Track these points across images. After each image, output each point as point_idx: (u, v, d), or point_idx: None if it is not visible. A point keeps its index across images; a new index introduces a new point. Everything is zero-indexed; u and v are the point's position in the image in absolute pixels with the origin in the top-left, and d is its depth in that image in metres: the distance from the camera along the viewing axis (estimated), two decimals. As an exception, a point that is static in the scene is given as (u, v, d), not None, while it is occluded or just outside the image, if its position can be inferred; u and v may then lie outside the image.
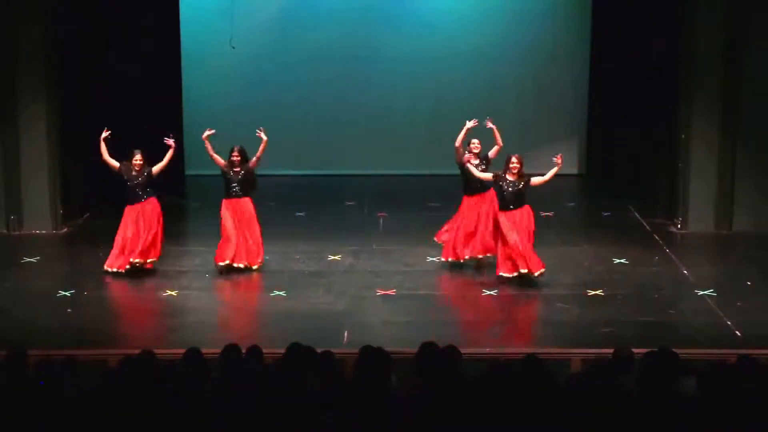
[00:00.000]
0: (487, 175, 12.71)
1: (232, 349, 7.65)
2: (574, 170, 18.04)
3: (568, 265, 13.39)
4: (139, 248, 12.80)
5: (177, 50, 17.53)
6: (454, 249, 13.15)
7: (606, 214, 15.99)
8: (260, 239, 13.21)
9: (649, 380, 7.09)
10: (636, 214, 15.77)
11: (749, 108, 14.76)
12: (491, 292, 12.45)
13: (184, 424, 6.70)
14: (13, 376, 7.40)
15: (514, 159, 12.57)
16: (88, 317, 11.69)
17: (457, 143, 13.03)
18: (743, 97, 14.73)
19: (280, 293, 12.43)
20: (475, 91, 17.93)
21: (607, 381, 7.17)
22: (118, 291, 12.58)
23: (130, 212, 12.96)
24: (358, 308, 11.99)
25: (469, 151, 13.01)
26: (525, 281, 12.55)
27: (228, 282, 12.92)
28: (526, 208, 12.65)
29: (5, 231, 14.87)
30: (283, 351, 7.67)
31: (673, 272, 13.24)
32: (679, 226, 15.11)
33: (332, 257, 13.75)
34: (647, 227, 15.21)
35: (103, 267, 12.99)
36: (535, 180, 12.59)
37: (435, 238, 13.42)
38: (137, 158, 12.94)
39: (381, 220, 15.51)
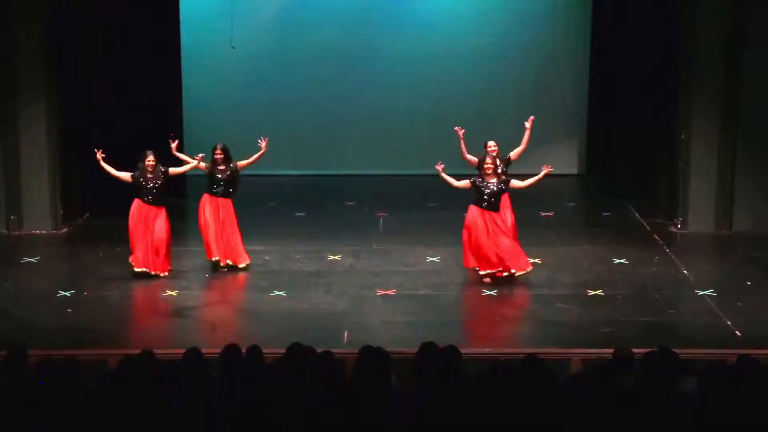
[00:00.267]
0: (464, 183, 12.64)
1: (232, 349, 7.65)
2: (574, 170, 18.04)
3: (568, 265, 13.38)
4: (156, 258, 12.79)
5: (177, 50, 17.51)
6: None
7: (606, 214, 15.99)
8: (240, 241, 13.22)
9: (649, 380, 7.08)
10: (636, 214, 15.77)
11: (749, 108, 14.76)
12: (491, 292, 12.44)
13: (184, 424, 6.70)
14: (13, 376, 7.40)
15: (488, 159, 12.56)
16: (88, 317, 11.69)
17: (464, 156, 12.94)
18: (743, 97, 14.73)
19: (280, 293, 12.43)
20: (475, 91, 17.94)
21: (607, 381, 7.17)
22: (118, 291, 12.56)
23: (142, 211, 12.82)
24: (358, 308, 11.99)
25: (486, 154, 12.93)
26: (508, 281, 12.60)
27: (228, 282, 12.92)
28: (506, 206, 12.65)
29: (5, 231, 14.86)
30: (283, 351, 7.67)
31: (673, 272, 13.24)
32: (679, 226, 15.11)
33: (332, 257, 13.75)
34: (647, 227, 15.20)
35: (103, 268, 12.99)
36: (516, 183, 12.60)
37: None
38: (150, 159, 12.81)
39: (381, 220, 15.51)
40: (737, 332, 11.15)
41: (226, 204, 13.17)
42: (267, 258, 13.70)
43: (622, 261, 13.60)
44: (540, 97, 17.95)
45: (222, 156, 13.10)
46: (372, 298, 12.31)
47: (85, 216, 15.68)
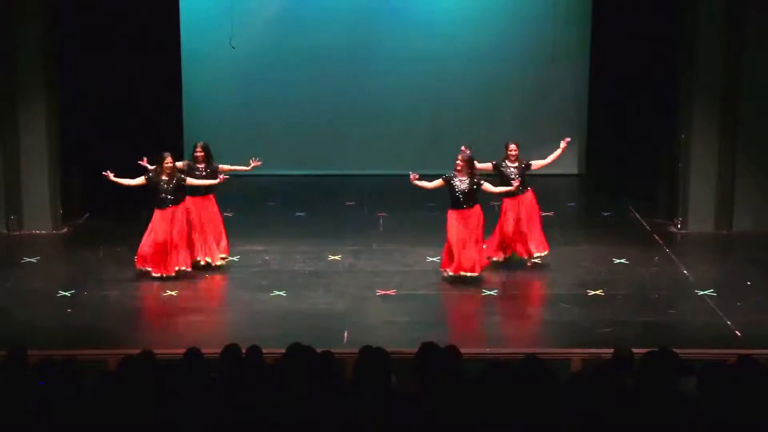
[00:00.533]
0: (438, 182, 12.73)
1: (232, 349, 7.65)
2: (574, 170, 18.03)
3: (568, 265, 13.38)
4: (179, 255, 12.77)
5: (177, 50, 17.53)
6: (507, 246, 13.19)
7: (606, 214, 15.99)
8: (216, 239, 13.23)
9: (649, 380, 7.08)
10: (636, 214, 15.77)
11: (749, 108, 14.76)
12: (491, 292, 12.45)
13: (184, 424, 6.69)
14: (13, 376, 7.40)
15: (459, 157, 12.62)
16: (88, 317, 11.70)
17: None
18: (743, 97, 14.73)
19: (280, 293, 12.43)
20: (475, 91, 17.94)
21: (607, 381, 7.17)
22: (118, 291, 12.57)
23: (161, 217, 12.77)
24: (358, 308, 11.99)
25: (506, 157, 13.02)
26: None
27: (228, 282, 12.93)
28: (476, 208, 12.68)
29: (5, 231, 14.87)
30: (283, 351, 7.67)
31: (673, 272, 13.24)
32: (679, 226, 15.11)
33: (332, 257, 13.76)
34: (647, 227, 15.21)
35: (103, 269, 12.98)
36: (487, 187, 12.63)
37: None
38: (168, 162, 12.76)
39: (381, 220, 15.51)
40: (737, 332, 11.16)
41: (205, 203, 13.16)
42: (267, 258, 13.70)
43: (622, 261, 13.60)
44: (540, 97, 17.97)
45: (203, 154, 13.08)
46: (372, 298, 12.31)
47: (85, 216, 15.68)
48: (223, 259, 13.28)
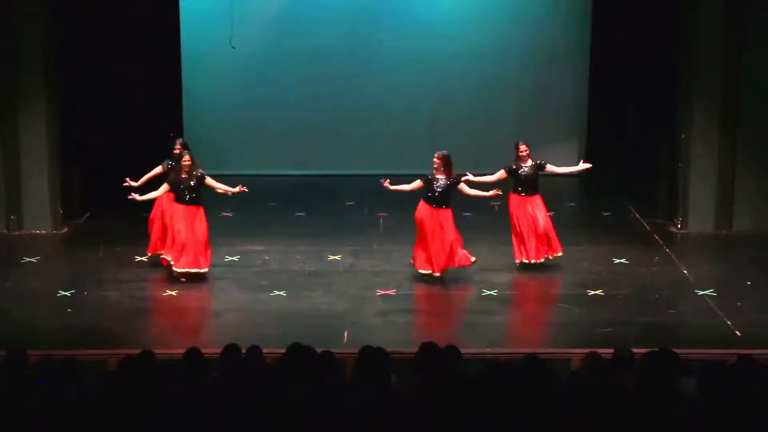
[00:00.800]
0: (416, 184, 12.80)
1: (232, 349, 7.65)
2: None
3: (568, 265, 13.38)
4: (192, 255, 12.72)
5: (177, 50, 17.53)
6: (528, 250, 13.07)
7: (606, 214, 15.99)
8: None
9: (649, 380, 7.08)
10: (636, 214, 15.77)
11: (749, 108, 14.76)
12: (491, 292, 12.45)
13: (184, 424, 6.69)
14: (13, 376, 7.40)
15: (435, 155, 12.65)
16: (88, 317, 11.70)
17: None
18: (743, 97, 14.73)
19: (280, 293, 12.43)
20: (474, 91, 17.95)
21: (607, 381, 7.17)
22: (118, 291, 12.58)
23: (178, 211, 12.75)
24: (358, 308, 11.99)
25: (517, 157, 13.02)
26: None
27: (228, 282, 12.92)
28: (448, 211, 12.70)
29: (5, 231, 14.87)
30: (283, 351, 7.67)
31: (673, 272, 13.24)
32: (679, 226, 15.11)
33: (332, 257, 13.76)
34: (647, 227, 15.21)
35: (103, 269, 12.97)
36: (464, 188, 12.63)
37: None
38: (185, 159, 12.73)
39: (381, 220, 15.51)
40: (737, 332, 11.16)
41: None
42: (267, 258, 13.70)
43: (622, 261, 13.60)
44: (540, 97, 17.97)
45: (180, 150, 13.06)
46: (372, 298, 12.31)
47: (85, 216, 15.68)
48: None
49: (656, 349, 7.41)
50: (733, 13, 14.50)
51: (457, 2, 17.98)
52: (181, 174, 12.70)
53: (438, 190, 12.60)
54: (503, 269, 13.20)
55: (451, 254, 12.62)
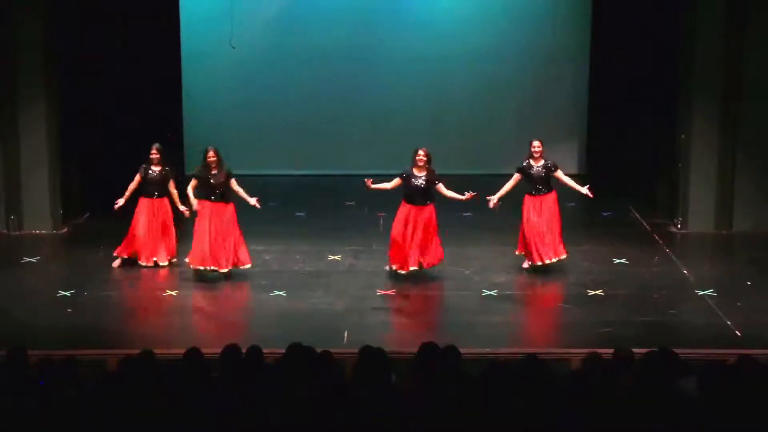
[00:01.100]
0: (395, 181, 12.84)
1: (232, 349, 7.65)
2: (574, 170, 18.01)
3: (568, 265, 13.37)
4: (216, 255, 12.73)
5: (177, 50, 17.53)
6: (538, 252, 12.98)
7: (606, 214, 15.98)
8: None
9: (649, 380, 7.08)
10: (636, 214, 15.77)
11: (749, 108, 14.76)
12: (491, 292, 12.45)
13: (184, 424, 6.69)
14: (13, 376, 7.40)
15: (420, 152, 12.68)
16: (88, 317, 11.69)
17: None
18: (743, 97, 14.73)
19: (280, 293, 12.43)
20: (474, 91, 17.95)
21: (607, 381, 7.17)
22: (118, 291, 12.58)
23: (207, 209, 12.76)
24: (358, 308, 11.99)
25: (530, 155, 12.96)
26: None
27: (228, 282, 12.91)
28: (430, 207, 12.70)
29: (5, 231, 14.87)
30: (283, 351, 7.67)
31: (673, 272, 13.24)
32: (679, 226, 15.11)
33: (332, 257, 13.76)
34: (647, 227, 15.21)
35: (103, 268, 12.97)
36: (441, 188, 12.66)
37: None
38: (210, 155, 12.69)
39: (381, 220, 15.50)
40: (737, 332, 11.16)
41: (162, 204, 13.21)
42: (267, 258, 13.70)
43: (622, 261, 13.60)
44: (540, 97, 17.97)
45: (158, 156, 13.06)
46: (372, 298, 12.31)
47: (85, 216, 15.69)
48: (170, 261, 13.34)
49: (656, 349, 7.42)
50: (734, 13, 14.50)
51: (457, 2, 17.98)
52: (210, 171, 12.67)
53: (417, 188, 12.60)
54: (503, 269, 13.20)
55: (425, 252, 12.62)
